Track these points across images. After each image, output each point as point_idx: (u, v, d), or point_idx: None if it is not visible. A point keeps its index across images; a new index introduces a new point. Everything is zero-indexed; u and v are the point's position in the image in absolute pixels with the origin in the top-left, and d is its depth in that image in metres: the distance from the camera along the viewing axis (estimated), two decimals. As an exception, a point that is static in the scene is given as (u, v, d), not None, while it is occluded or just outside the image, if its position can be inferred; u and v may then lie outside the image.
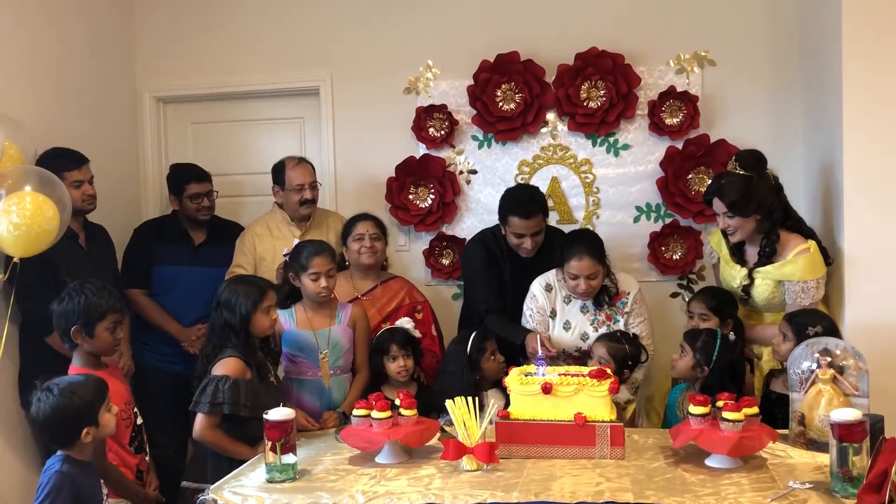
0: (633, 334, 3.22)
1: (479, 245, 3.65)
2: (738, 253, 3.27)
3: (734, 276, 3.25)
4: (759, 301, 3.21)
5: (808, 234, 3.22)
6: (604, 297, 3.28)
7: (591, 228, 4.07)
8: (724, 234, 3.26)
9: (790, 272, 3.10)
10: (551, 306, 3.34)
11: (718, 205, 3.16)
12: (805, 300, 3.09)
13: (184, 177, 3.86)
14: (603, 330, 3.26)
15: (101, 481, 2.41)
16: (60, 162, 3.30)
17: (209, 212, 3.88)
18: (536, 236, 3.43)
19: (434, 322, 3.66)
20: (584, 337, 3.30)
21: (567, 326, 3.32)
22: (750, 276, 3.18)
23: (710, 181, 3.37)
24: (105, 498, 2.40)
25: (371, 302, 3.52)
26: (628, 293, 3.31)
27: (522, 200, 3.44)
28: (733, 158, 3.23)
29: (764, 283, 3.16)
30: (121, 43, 4.31)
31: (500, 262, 3.56)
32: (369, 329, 3.33)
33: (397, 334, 3.22)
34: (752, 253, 3.24)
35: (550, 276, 3.35)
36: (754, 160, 3.19)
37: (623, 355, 3.09)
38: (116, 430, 2.64)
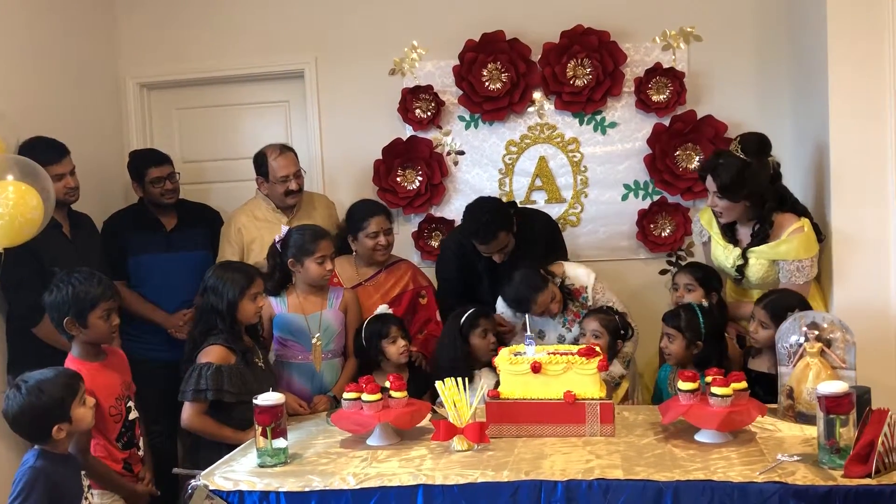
0: (618, 313, 3.21)
1: (452, 243, 3.66)
2: (729, 233, 3.24)
3: (727, 256, 3.22)
4: (754, 280, 3.19)
5: (801, 212, 3.18)
6: (564, 295, 3.27)
7: (580, 207, 4.09)
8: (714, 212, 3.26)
9: (785, 251, 3.08)
10: (521, 320, 3.29)
11: (710, 183, 3.13)
12: (800, 279, 3.08)
13: (142, 162, 3.80)
14: (575, 328, 3.26)
15: (83, 473, 2.40)
16: (40, 156, 3.23)
17: (173, 195, 3.83)
18: (503, 250, 3.39)
19: (439, 307, 3.62)
20: (562, 339, 3.30)
21: (542, 335, 3.31)
22: (744, 255, 3.16)
23: (709, 156, 3.30)
24: (87, 489, 2.39)
25: (375, 287, 3.51)
26: (586, 287, 3.30)
27: (477, 229, 3.35)
28: (737, 140, 3.14)
29: (758, 263, 3.14)
30: (103, 29, 4.26)
31: (471, 258, 3.53)
32: (361, 314, 3.33)
33: (389, 318, 3.22)
34: (744, 233, 3.21)
35: None
36: (758, 145, 3.11)
37: (615, 326, 3.11)
38: (104, 424, 2.64)
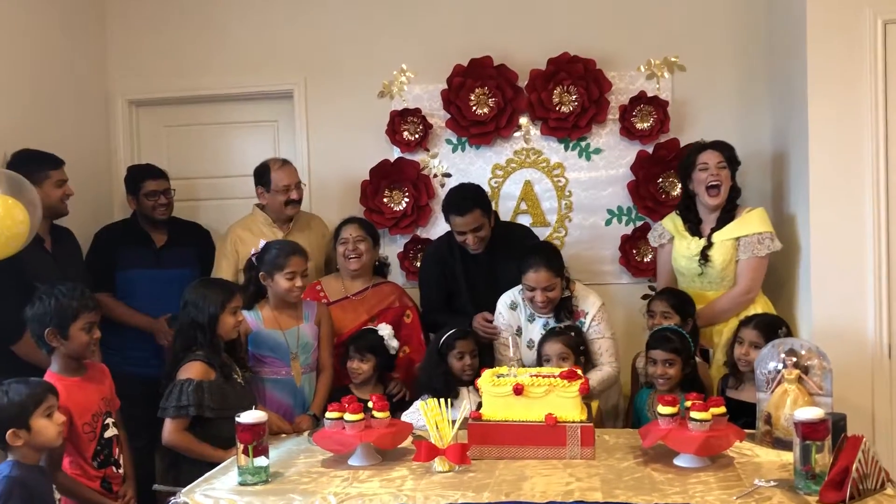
0: (573, 331, 3.20)
1: (432, 248, 3.80)
2: (695, 228, 3.46)
3: (690, 248, 3.41)
4: (717, 266, 3.35)
5: None
6: (563, 314, 3.27)
7: (564, 231, 4.13)
8: (687, 210, 3.49)
9: (747, 226, 3.36)
10: (517, 324, 3.35)
11: (711, 155, 3.39)
12: (761, 251, 3.31)
13: (139, 175, 3.86)
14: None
15: (54, 486, 2.39)
16: (42, 162, 3.33)
17: (166, 210, 3.86)
18: (477, 232, 3.48)
19: (423, 329, 3.63)
20: (531, 344, 3.30)
21: (531, 345, 3.31)
22: (709, 240, 3.37)
23: (697, 142, 3.54)
24: (57, 503, 2.38)
25: (361, 302, 3.55)
26: (587, 313, 3.28)
27: (457, 199, 3.53)
28: (700, 140, 3.54)
29: (723, 246, 3.34)
30: (93, 45, 4.28)
31: (449, 262, 3.62)
32: (333, 327, 3.38)
33: (363, 337, 3.29)
34: (708, 221, 3.45)
35: (516, 293, 3.36)
36: None
37: (576, 344, 3.12)
38: (78, 442, 2.63)
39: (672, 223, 3.54)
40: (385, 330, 3.34)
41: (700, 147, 3.46)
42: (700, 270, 3.38)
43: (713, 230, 3.41)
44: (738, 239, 3.35)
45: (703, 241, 3.39)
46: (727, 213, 3.41)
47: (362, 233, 3.57)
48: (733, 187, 3.43)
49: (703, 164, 3.40)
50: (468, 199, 3.51)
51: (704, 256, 3.36)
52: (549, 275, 3.18)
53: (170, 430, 2.76)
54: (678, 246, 3.48)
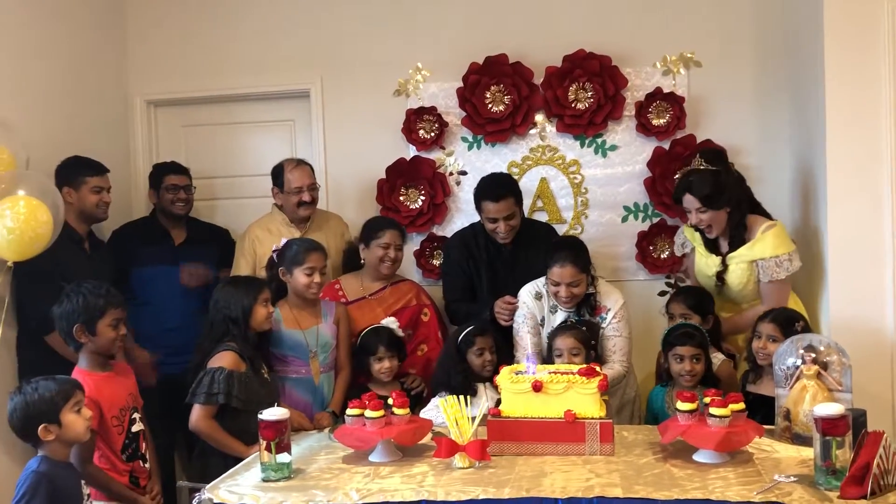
0: (584, 326, 3.20)
1: (457, 238, 3.80)
2: (711, 244, 3.37)
3: (708, 265, 3.34)
4: (734, 287, 3.28)
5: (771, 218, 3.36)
6: (585, 309, 3.26)
7: (580, 228, 4.14)
8: (699, 228, 3.35)
9: (761, 250, 3.21)
10: (541, 314, 3.34)
11: (690, 200, 3.25)
12: (780, 274, 3.20)
13: (163, 169, 3.95)
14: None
15: (83, 482, 2.44)
16: (82, 167, 3.45)
17: (185, 206, 3.91)
18: (510, 220, 3.50)
19: (441, 327, 3.65)
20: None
21: (542, 322, 3.33)
22: (724, 262, 3.27)
23: (678, 180, 3.39)
24: (87, 498, 2.43)
25: (378, 301, 3.56)
26: (609, 309, 3.26)
27: (491, 185, 3.56)
28: (698, 155, 3.35)
29: (738, 268, 3.25)
30: (112, 47, 4.32)
31: (474, 253, 3.65)
32: (352, 327, 3.40)
33: (384, 335, 3.26)
34: (724, 244, 3.34)
35: (540, 283, 3.35)
36: (717, 154, 3.36)
37: (587, 338, 3.12)
38: (108, 436, 2.69)
39: (692, 234, 3.46)
40: (394, 322, 3.36)
41: (680, 188, 3.29)
42: (717, 290, 3.34)
43: (727, 251, 3.30)
44: (754, 262, 3.24)
45: (718, 260, 3.30)
46: (738, 232, 3.27)
47: (401, 241, 3.61)
48: (737, 204, 3.25)
49: (686, 208, 3.31)
50: (502, 185, 3.56)
51: (720, 278, 3.30)
52: (575, 270, 3.18)
53: (198, 415, 2.81)
54: (698, 261, 3.42)
